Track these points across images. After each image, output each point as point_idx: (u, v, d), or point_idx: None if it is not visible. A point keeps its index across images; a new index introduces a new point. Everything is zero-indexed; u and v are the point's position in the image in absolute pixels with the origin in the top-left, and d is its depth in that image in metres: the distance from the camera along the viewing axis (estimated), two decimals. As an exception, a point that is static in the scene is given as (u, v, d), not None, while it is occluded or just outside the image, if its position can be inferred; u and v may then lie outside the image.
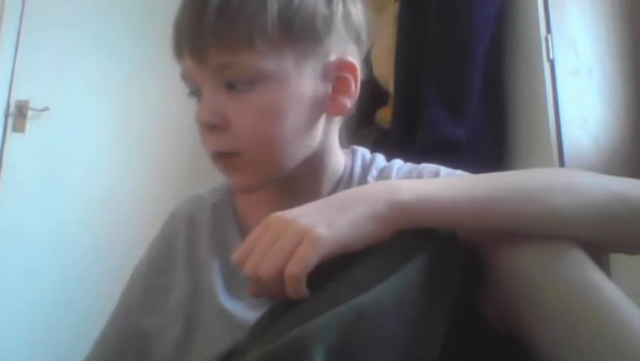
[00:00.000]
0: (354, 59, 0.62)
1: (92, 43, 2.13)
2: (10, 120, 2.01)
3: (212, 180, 0.73)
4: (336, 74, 0.61)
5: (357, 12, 0.63)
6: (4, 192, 1.97)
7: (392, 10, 1.56)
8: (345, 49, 0.61)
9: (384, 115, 1.54)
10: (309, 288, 0.43)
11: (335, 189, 0.67)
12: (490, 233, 0.48)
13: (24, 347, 1.91)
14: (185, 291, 0.64)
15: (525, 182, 0.50)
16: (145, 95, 2.21)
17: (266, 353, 0.37)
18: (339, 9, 0.60)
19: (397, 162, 0.69)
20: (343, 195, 0.49)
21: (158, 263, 0.68)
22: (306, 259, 0.42)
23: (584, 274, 0.44)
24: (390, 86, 1.52)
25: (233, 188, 0.69)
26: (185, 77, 0.60)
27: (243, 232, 0.67)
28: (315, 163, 0.64)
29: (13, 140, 2.01)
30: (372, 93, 1.54)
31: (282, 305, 0.44)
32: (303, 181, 0.65)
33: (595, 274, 0.44)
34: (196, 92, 0.60)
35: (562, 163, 1.20)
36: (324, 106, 0.61)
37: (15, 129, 2.02)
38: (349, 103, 0.62)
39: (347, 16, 0.61)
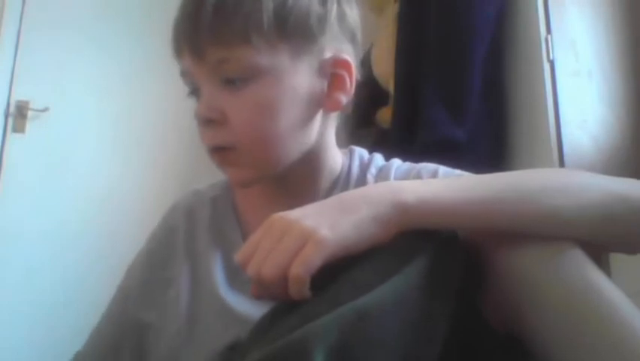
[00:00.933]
0: (350, 57, 0.63)
1: (91, 43, 2.13)
2: (10, 120, 2.01)
3: (213, 179, 0.73)
4: (332, 71, 0.62)
5: (352, 12, 0.65)
6: (4, 192, 1.97)
7: (392, 10, 1.56)
8: (340, 47, 0.62)
9: (384, 115, 1.54)
10: (311, 289, 0.43)
11: (332, 187, 0.67)
12: (491, 233, 0.48)
13: (24, 347, 1.91)
14: (185, 285, 0.65)
15: (525, 182, 0.50)
16: (145, 95, 2.21)
17: (267, 353, 0.37)
18: (333, 9, 0.61)
19: (396, 162, 0.70)
20: (344, 196, 0.49)
21: (157, 255, 0.68)
22: (311, 260, 0.42)
23: (584, 274, 0.44)
24: (390, 86, 1.52)
25: (230, 183, 0.70)
26: (185, 75, 0.62)
27: (242, 227, 0.67)
28: (311, 161, 0.65)
29: (13, 140, 2.01)
30: (372, 93, 1.54)
31: (285, 306, 0.44)
32: (300, 178, 0.65)
33: (595, 274, 0.44)
34: (195, 92, 0.62)
35: (562, 164, 1.20)
36: (320, 102, 0.62)
37: (15, 130, 2.02)
38: (344, 99, 0.63)
39: (342, 15, 0.63)
